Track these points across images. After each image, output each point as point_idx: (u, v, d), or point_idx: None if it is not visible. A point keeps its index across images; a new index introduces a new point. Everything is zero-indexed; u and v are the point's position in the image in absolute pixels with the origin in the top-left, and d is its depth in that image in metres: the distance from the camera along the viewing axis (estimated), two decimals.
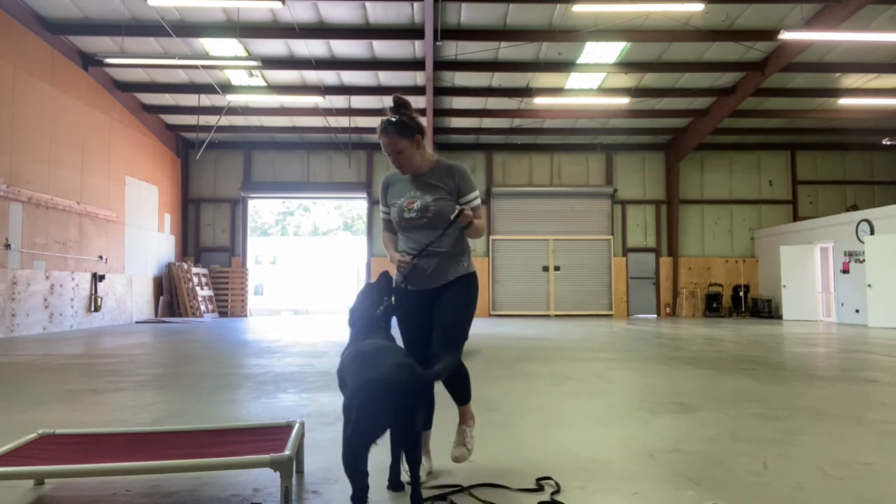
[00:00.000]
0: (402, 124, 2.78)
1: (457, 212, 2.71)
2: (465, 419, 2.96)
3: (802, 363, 7.08)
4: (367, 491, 2.28)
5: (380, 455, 3.22)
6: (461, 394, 2.94)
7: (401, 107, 2.82)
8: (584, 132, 18.23)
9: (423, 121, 2.89)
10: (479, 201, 2.90)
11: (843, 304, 15.72)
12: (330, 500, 2.57)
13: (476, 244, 19.21)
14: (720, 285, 19.22)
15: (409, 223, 2.84)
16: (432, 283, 2.83)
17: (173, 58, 12.29)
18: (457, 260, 2.85)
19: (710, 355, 7.89)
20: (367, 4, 11.57)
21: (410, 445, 2.38)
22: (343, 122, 17.09)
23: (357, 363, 2.41)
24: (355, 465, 2.24)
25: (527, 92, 15.34)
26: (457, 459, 2.82)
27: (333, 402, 4.69)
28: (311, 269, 44.55)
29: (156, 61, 12.85)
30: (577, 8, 10.51)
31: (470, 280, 2.88)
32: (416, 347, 2.90)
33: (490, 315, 18.82)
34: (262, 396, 5.00)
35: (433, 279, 2.83)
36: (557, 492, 2.62)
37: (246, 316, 18.86)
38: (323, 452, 3.24)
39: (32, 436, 2.88)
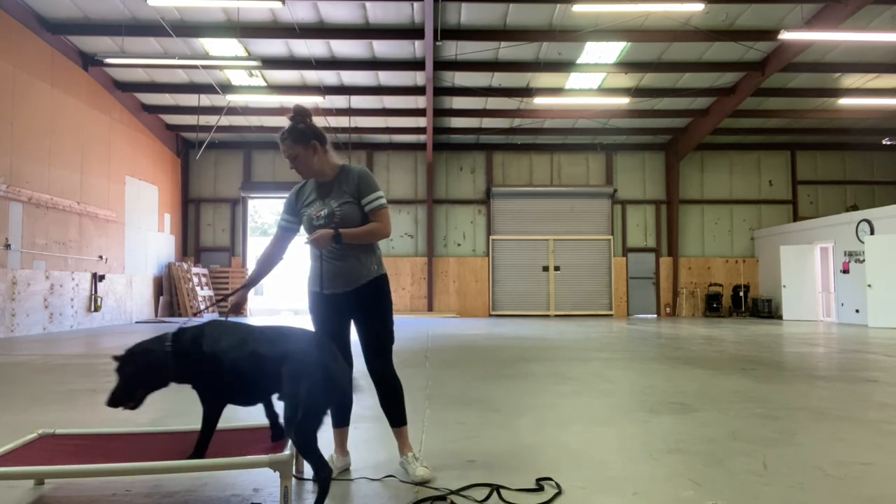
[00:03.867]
0: (298, 131, 2.89)
1: (307, 239, 2.84)
2: (403, 447, 2.94)
3: (802, 363, 7.08)
4: None
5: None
6: (395, 411, 2.94)
7: (298, 115, 2.94)
8: (584, 132, 18.23)
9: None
10: (380, 202, 2.90)
11: (843, 304, 15.71)
12: (329, 499, 2.57)
13: (476, 244, 19.22)
14: (720, 285, 19.22)
15: (318, 231, 2.88)
16: (343, 287, 2.87)
17: (173, 58, 12.29)
18: (364, 264, 2.88)
19: (710, 355, 7.89)
20: (367, 4, 11.57)
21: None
22: (343, 122, 17.09)
23: (300, 343, 2.54)
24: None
25: (527, 92, 15.35)
26: (423, 479, 2.74)
27: None
28: None
29: (156, 61, 12.84)
30: (577, 8, 10.50)
31: (379, 282, 2.92)
32: None
33: (490, 315, 18.82)
34: None
35: (343, 283, 2.87)
36: (559, 493, 2.62)
37: (246, 316, 18.86)
38: (323, 452, 3.24)
39: (32, 436, 2.88)
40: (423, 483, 2.71)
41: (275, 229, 3.14)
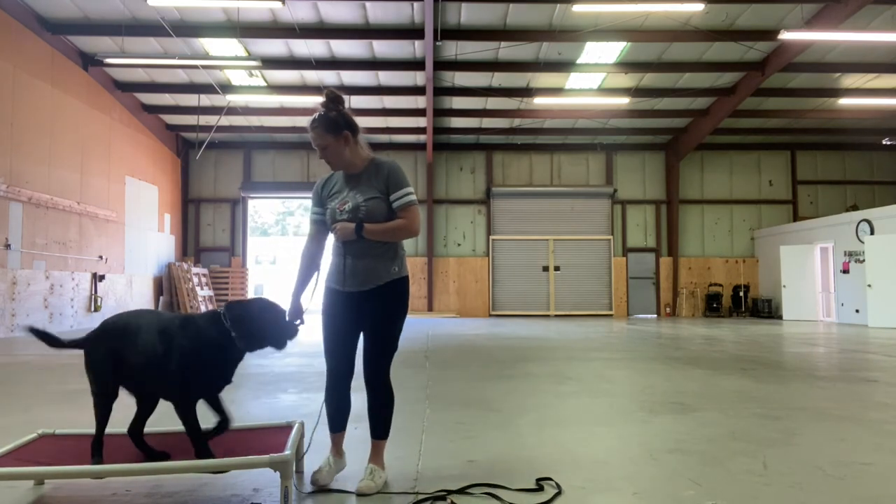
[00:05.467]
0: (329, 120, 2.76)
1: (332, 228, 2.77)
2: (376, 457, 2.82)
3: (802, 363, 7.08)
4: None
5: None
6: (380, 423, 2.82)
7: (331, 102, 2.80)
8: (584, 132, 18.23)
9: (357, 119, 2.83)
10: (408, 199, 2.77)
11: (843, 304, 15.71)
12: (329, 499, 2.57)
13: (476, 244, 19.22)
14: (720, 285, 19.22)
15: (339, 223, 2.78)
16: (359, 286, 2.75)
17: (173, 58, 12.28)
18: (386, 264, 2.77)
19: (710, 355, 7.89)
20: (367, 4, 11.57)
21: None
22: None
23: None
24: None
25: (527, 92, 15.34)
26: (360, 491, 2.62)
27: None
28: None
29: (156, 61, 12.84)
30: (577, 8, 10.50)
31: (399, 285, 2.80)
32: (335, 347, 2.82)
33: (490, 315, 18.82)
34: (262, 396, 5.00)
35: (363, 282, 2.75)
36: (559, 493, 2.61)
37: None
38: (323, 452, 3.24)
39: (32, 436, 2.88)
40: (358, 494, 2.61)
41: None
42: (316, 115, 2.80)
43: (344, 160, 2.81)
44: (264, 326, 2.68)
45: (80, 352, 2.62)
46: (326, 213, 2.85)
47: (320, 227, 2.89)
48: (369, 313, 2.77)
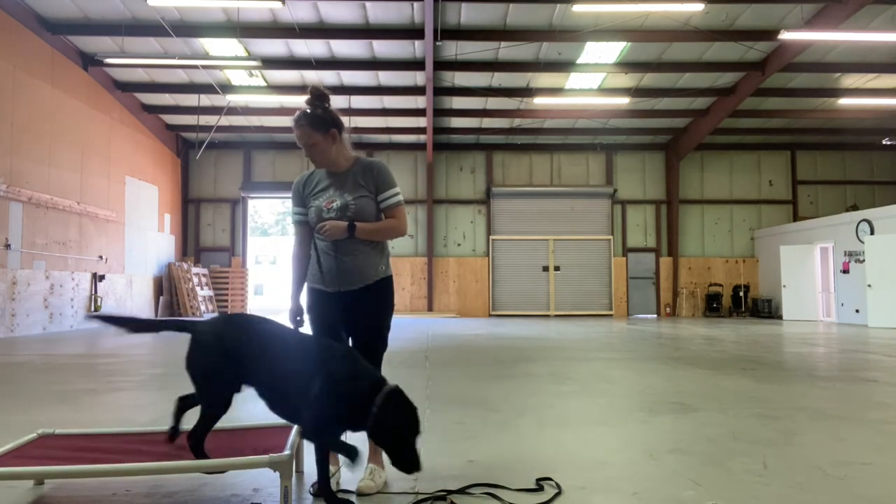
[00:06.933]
0: (316, 117, 2.73)
1: (318, 227, 2.69)
2: (375, 457, 2.78)
3: (802, 363, 7.08)
4: None
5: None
6: None
7: (317, 99, 2.77)
8: (584, 132, 18.23)
9: (344, 118, 2.81)
10: (397, 199, 2.79)
11: (843, 304, 15.71)
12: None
13: (476, 244, 19.21)
14: (720, 285, 19.22)
15: (328, 222, 2.72)
16: (348, 286, 2.73)
17: (173, 58, 12.29)
18: (373, 262, 2.75)
19: (710, 355, 7.89)
20: (367, 4, 11.57)
21: None
22: (343, 121, 17.07)
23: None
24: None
25: (527, 92, 15.35)
26: (360, 491, 2.60)
27: None
28: None
29: (156, 61, 12.84)
30: (577, 8, 10.50)
31: (385, 284, 2.79)
32: None
33: (490, 315, 18.82)
34: None
35: (351, 281, 2.73)
36: (559, 493, 2.61)
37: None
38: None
39: (32, 436, 2.88)
40: (359, 493, 2.60)
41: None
42: (301, 112, 2.76)
43: (329, 158, 2.78)
44: (397, 443, 2.36)
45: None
46: (310, 212, 2.81)
47: (306, 227, 2.86)
48: (357, 313, 2.75)
